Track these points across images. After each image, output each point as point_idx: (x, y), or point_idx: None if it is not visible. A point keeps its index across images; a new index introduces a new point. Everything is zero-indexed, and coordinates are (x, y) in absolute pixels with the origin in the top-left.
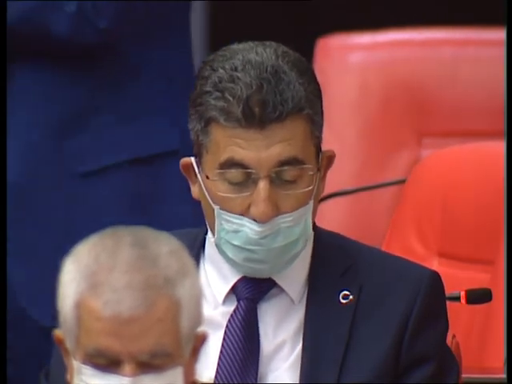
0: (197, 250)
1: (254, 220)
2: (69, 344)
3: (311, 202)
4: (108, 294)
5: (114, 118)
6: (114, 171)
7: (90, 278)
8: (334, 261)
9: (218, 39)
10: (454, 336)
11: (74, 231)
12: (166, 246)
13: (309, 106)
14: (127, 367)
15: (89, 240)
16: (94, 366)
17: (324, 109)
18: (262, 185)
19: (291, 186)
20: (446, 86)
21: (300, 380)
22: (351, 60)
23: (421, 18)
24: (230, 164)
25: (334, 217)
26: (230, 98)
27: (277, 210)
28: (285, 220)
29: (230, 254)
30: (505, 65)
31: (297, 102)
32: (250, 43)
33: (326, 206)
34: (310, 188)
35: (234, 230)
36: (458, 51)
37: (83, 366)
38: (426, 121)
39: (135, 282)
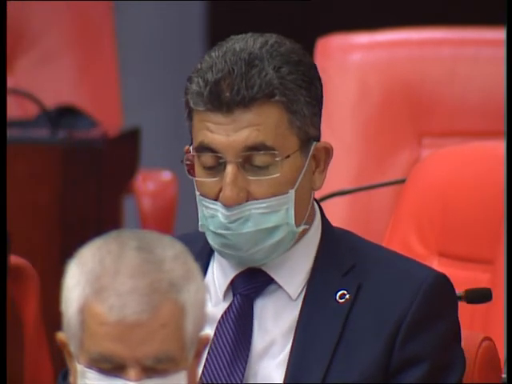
0: (208, 250)
1: (224, 205)
2: (73, 348)
3: (292, 192)
4: (113, 298)
5: None
6: None
7: (95, 283)
8: (338, 260)
9: (218, 39)
10: (484, 339)
11: None
12: (170, 250)
13: (282, 94)
14: (132, 372)
15: (93, 243)
16: (99, 370)
17: (324, 108)
18: (229, 169)
19: (262, 172)
20: (445, 86)
21: (285, 377)
22: (351, 60)
23: (420, 18)
24: (202, 148)
25: (334, 217)
26: (201, 83)
27: (246, 196)
28: (257, 206)
29: (210, 241)
30: (505, 65)
31: (264, 88)
32: (251, 34)
33: (325, 206)
34: (278, 175)
35: (211, 216)
36: (457, 51)
37: (87, 369)
38: (426, 121)
39: (140, 287)
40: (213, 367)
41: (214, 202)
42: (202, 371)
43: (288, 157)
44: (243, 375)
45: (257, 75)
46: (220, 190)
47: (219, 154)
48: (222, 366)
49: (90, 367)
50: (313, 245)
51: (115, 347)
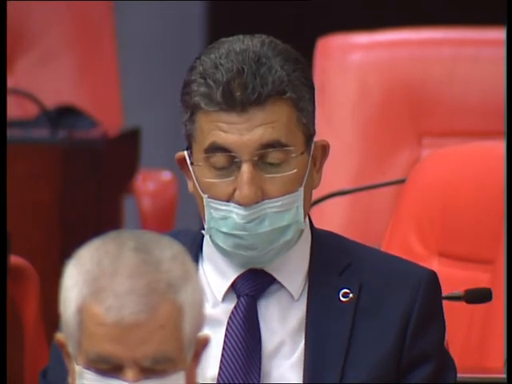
0: (195, 251)
1: (240, 204)
2: (71, 348)
3: (301, 189)
4: (110, 299)
5: None
6: None
7: (93, 283)
8: (333, 259)
9: (218, 39)
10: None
11: None
12: (168, 250)
13: (292, 91)
14: (130, 372)
15: (91, 244)
16: (96, 370)
17: (324, 108)
18: (245, 168)
19: (276, 170)
20: (445, 86)
21: (304, 378)
22: (351, 60)
23: (420, 18)
24: (214, 148)
25: (334, 217)
26: (212, 83)
27: (262, 194)
28: (272, 205)
29: (220, 242)
30: (505, 65)
31: (277, 85)
32: (241, 35)
33: (325, 206)
34: (295, 171)
35: (222, 217)
36: (457, 51)
37: (85, 370)
38: (426, 121)
39: (138, 288)
40: (229, 369)
41: (226, 203)
42: (219, 373)
43: (303, 153)
44: (259, 375)
45: (268, 72)
46: (233, 191)
47: (233, 154)
48: (238, 367)
49: (87, 368)
50: (307, 245)
51: (113, 348)
